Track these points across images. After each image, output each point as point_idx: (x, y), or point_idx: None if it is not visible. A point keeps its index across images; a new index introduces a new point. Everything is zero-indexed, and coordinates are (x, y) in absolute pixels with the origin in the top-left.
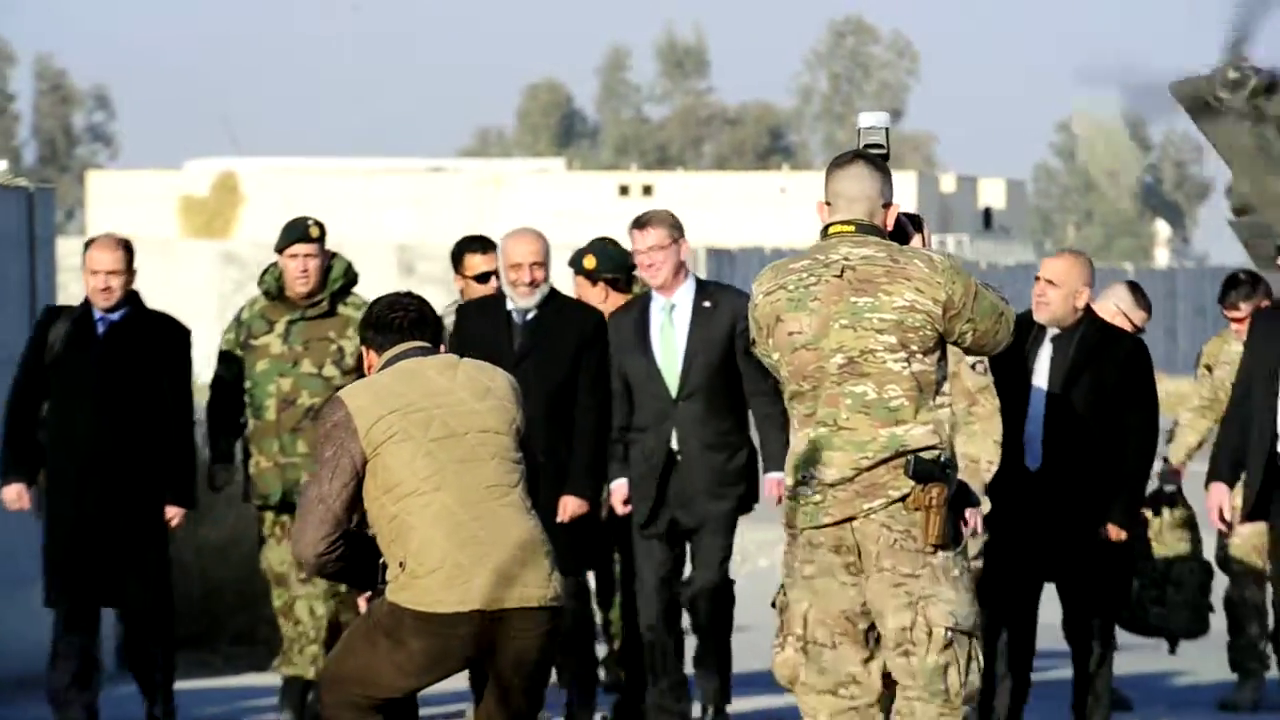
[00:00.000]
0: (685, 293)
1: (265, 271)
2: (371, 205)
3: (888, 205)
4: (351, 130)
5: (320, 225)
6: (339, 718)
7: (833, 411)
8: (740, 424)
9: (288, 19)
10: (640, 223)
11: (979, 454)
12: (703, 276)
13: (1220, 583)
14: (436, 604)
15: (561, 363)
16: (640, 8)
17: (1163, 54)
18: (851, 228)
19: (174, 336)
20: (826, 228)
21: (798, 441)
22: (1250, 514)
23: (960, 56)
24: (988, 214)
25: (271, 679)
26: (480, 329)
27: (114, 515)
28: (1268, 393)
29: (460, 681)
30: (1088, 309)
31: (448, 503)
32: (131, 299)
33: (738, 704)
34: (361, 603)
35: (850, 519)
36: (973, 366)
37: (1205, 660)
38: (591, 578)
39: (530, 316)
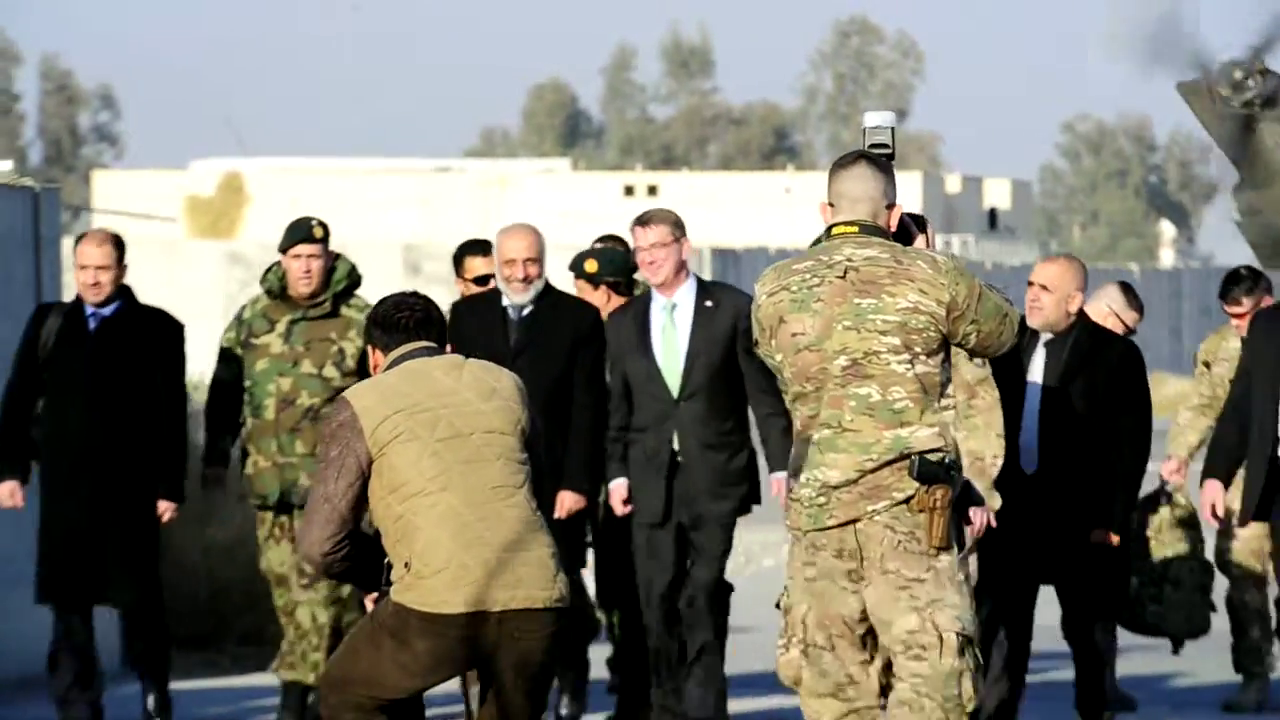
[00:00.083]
0: (686, 292)
1: (268, 270)
2: (377, 205)
3: (891, 206)
4: (357, 130)
5: (324, 226)
6: (342, 719)
7: (836, 413)
8: (741, 424)
9: (294, 19)
10: (642, 220)
11: (982, 449)
12: (708, 276)
13: (1222, 583)
14: (441, 605)
15: (557, 359)
16: (645, 8)
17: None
18: (855, 228)
19: (167, 331)
20: (829, 228)
21: (801, 444)
22: (1252, 515)
23: (965, 56)
24: (993, 214)
25: (277, 679)
26: (476, 326)
27: (105, 512)
28: (1268, 393)
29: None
30: (1080, 313)
31: (453, 503)
32: (123, 294)
33: (740, 704)
34: (368, 603)
35: (854, 521)
36: (971, 358)
37: (1209, 662)
38: (590, 577)
39: (526, 313)
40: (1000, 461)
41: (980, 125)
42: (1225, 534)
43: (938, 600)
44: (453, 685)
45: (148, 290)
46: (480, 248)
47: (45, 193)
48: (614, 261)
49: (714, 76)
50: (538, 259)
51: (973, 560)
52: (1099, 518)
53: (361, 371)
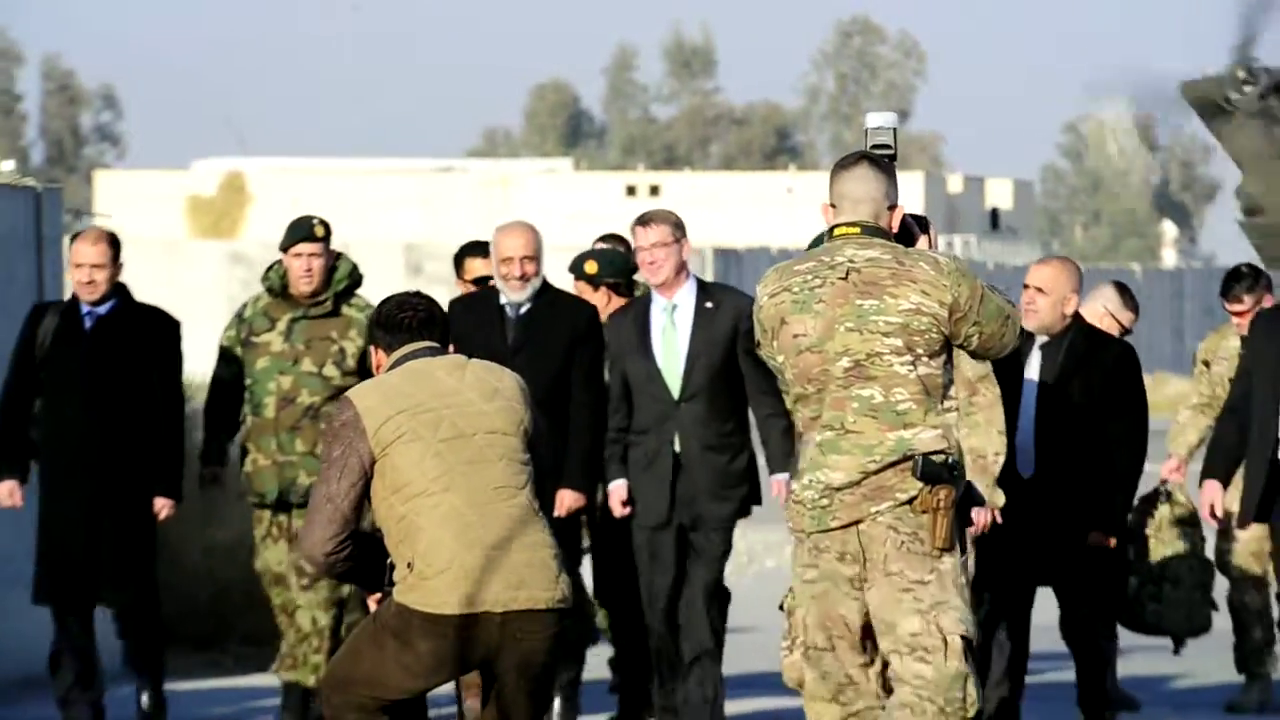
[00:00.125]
0: (686, 293)
1: (269, 269)
2: (379, 205)
3: (893, 207)
4: (359, 130)
5: (325, 225)
6: (345, 719)
7: (839, 415)
8: (742, 425)
9: (295, 20)
10: (643, 220)
11: (984, 446)
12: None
13: (1223, 582)
14: (444, 605)
15: (554, 357)
16: (647, 8)
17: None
18: (857, 230)
19: (163, 329)
20: (831, 229)
21: (803, 445)
22: (1252, 517)
23: (967, 57)
24: (995, 214)
25: (278, 680)
26: (473, 324)
27: (102, 511)
28: (1269, 394)
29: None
30: (1076, 315)
31: (456, 504)
32: (119, 292)
33: (744, 704)
34: (371, 603)
35: (857, 523)
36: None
37: (1212, 662)
38: (588, 576)
39: (523, 311)
40: (1002, 458)
41: (982, 125)
42: (1225, 535)
43: (942, 603)
44: (453, 686)
45: (150, 290)
46: (481, 249)
47: (47, 193)
48: (614, 263)
49: (716, 76)
50: (535, 257)
51: (970, 560)
52: (1096, 520)
53: (362, 370)
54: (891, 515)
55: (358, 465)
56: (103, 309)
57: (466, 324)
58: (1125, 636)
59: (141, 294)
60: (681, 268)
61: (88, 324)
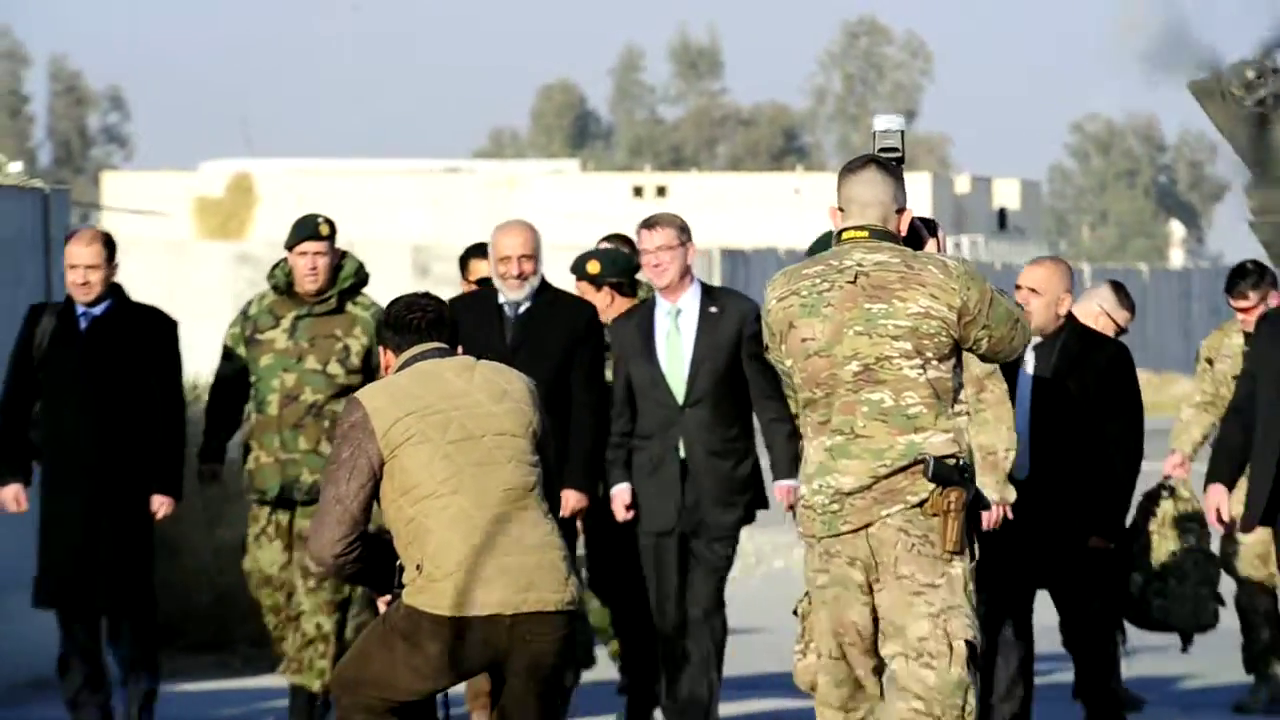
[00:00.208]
0: (691, 298)
1: (275, 266)
2: (386, 206)
3: (901, 210)
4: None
5: (330, 223)
6: None
7: (849, 419)
8: (746, 431)
9: (303, 21)
10: (649, 223)
11: (995, 443)
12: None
13: (1230, 582)
14: (453, 608)
15: (553, 356)
16: (654, 8)
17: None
18: (865, 233)
19: (159, 328)
20: (839, 233)
21: (812, 450)
22: (1258, 520)
23: (974, 57)
24: (1002, 215)
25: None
26: (472, 323)
27: (100, 513)
28: (1275, 398)
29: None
30: (1069, 316)
31: (465, 506)
32: (114, 292)
33: (753, 705)
34: (380, 605)
35: (867, 526)
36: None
37: (1220, 662)
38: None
39: (522, 310)
40: (1013, 454)
41: (989, 126)
42: (1229, 538)
43: (953, 607)
44: (458, 687)
45: (158, 291)
46: (486, 251)
47: (55, 194)
48: (616, 262)
49: (723, 77)
50: (533, 256)
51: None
52: (1095, 525)
53: (366, 368)
54: (902, 518)
55: (367, 466)
56: (98, 310)
57: (465, 323)
58: (1133, 636)
59: (149, 294)
60: (686, 272)
61: (83, 325)
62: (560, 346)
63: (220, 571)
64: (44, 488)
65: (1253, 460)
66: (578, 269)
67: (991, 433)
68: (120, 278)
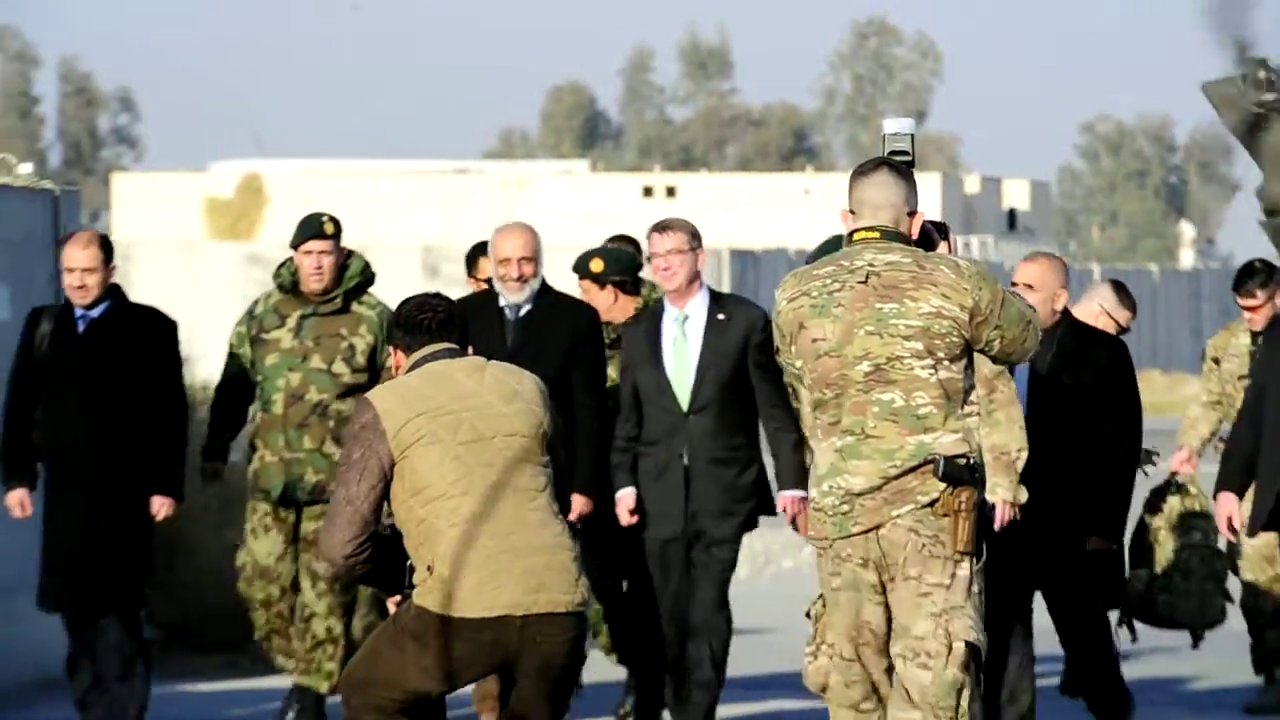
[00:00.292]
0: (699, 304)
1: (281, 266)
2: (396, 207)
3: (913, 213)
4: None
5: (335, 222)
6: None
7: (859, 420)
8: (751, 439)
9: (313, 21)
10: (660, 227)
11: (1007, 443)
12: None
13: (1236, 584)
14: (463, 609)
15: (554, 359)
16: (663, 9)
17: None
18: (876, 234)
19: (158, 329)
20: (851, 234)
21: (822, 451)
22: (1264, 525)
23: (984, 57)
24: (1012, 215)
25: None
26: (473, 326)
27: (100, 515)
28: None
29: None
30: (1065, 311)
31: (474, 507)
32: (113, 294)
33: (760, 705)
34: (390, 605)
35: (878, 527)
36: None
37: (1230, 663)
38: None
39: (523, 312)
40: (1025, 454)
41: (999, 126)
42: (1234, 541)
43: (956, 608)
44: (466, 689)
45: (167, 291)
46: None
47: (65, 195)
48: (619, 261)
49: (732, 78)
50: (533, 258)
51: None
52: (1095, 524)
53: (371, 368)
54: (912, 518)
55: (377, 467)
56: (95, 312)
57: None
58: (1143, 636)
59: (159, 295)
60: (695, 277)
61: (81, 327)
62: (561, 349)
63: (230, 572)
64: (45, 490)
65: (1260, 466)
66: (581, 268)
67: (1004, 433)
68: (130, 278)
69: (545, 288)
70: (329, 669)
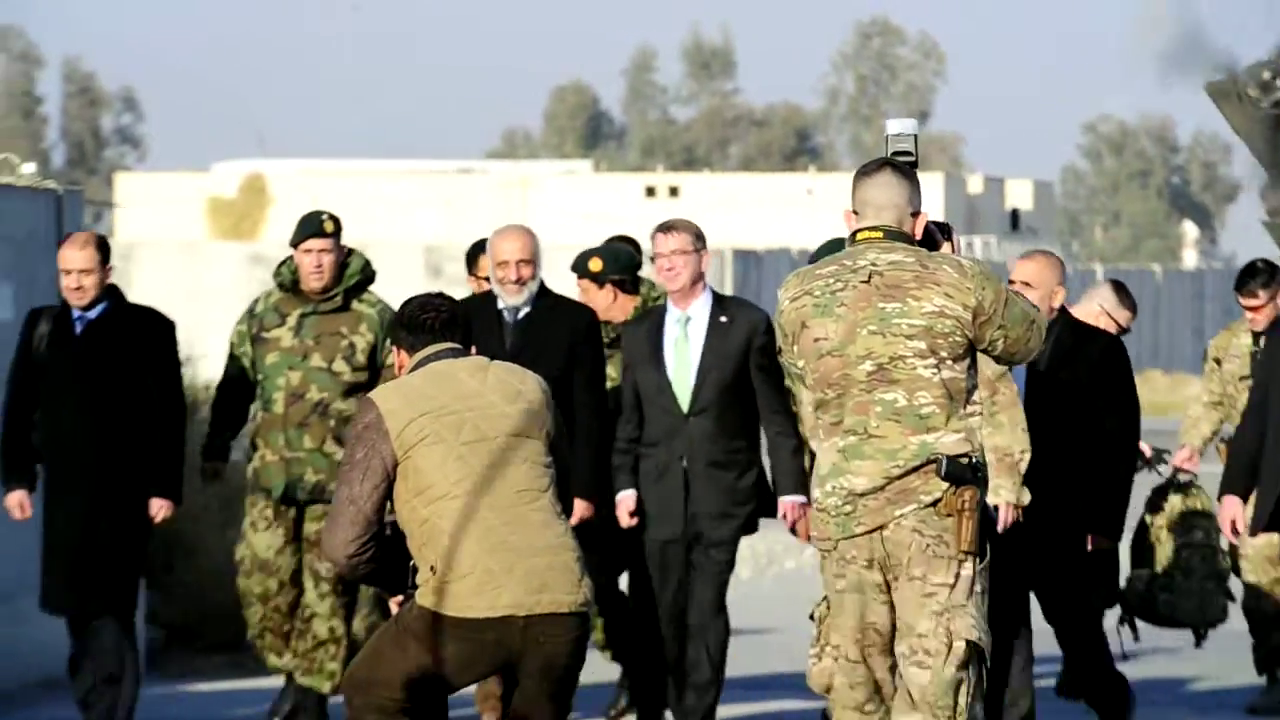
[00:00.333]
0: (701, 306)
1: (281, 264)
2: (399, 207)
3: (916, 214)
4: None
5: (335, 220)
6: None
7: (862, 419)
8: (752, 442)
9: (316, 22)
10: (665, 227)
11: (1010, 445)
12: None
13: (1239, 585)
14: (466, 609)
15: (554, 361)
16: (666, 9)
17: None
18: (879, 234)
19: (156, 330)
20: (854, 234)
21: (825, 451)
22: (1265, 526)
23: (987, 57)
24: (1015, 215)
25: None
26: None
27: (99, 516)
28: None
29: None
30: (1062, 309)
31: (478, 507)
32: (110, 294)
33: (763, 706)
34: (393, 605)
35: (881, 527)
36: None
37: (1232, 664)
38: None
39: (522, 315)
40: (1029, 456)
41: (1002, 126)
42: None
43: (958, 607)
44: (467, 689)
45: (170, 292)
46: None
47: (68, 195)
48: (618, 259)
49: (735, 78)
50: (531, 260)
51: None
52: (1094, 523)
53: (372, 366)
54: (916, 519)
55: (380, 467)
56: (93, 313)
57: None
58: (1145, 637)
59: (162, 295)
60: (699, 279)
61: (78, 328)
62: (560, 351)
63: (231, 572)
64: (45, 492)
65: (1263, 466)
66: (579, 267)
67: (1007, 435)
68: (133, 278)
69: (544, 290)
70: (331, 669)
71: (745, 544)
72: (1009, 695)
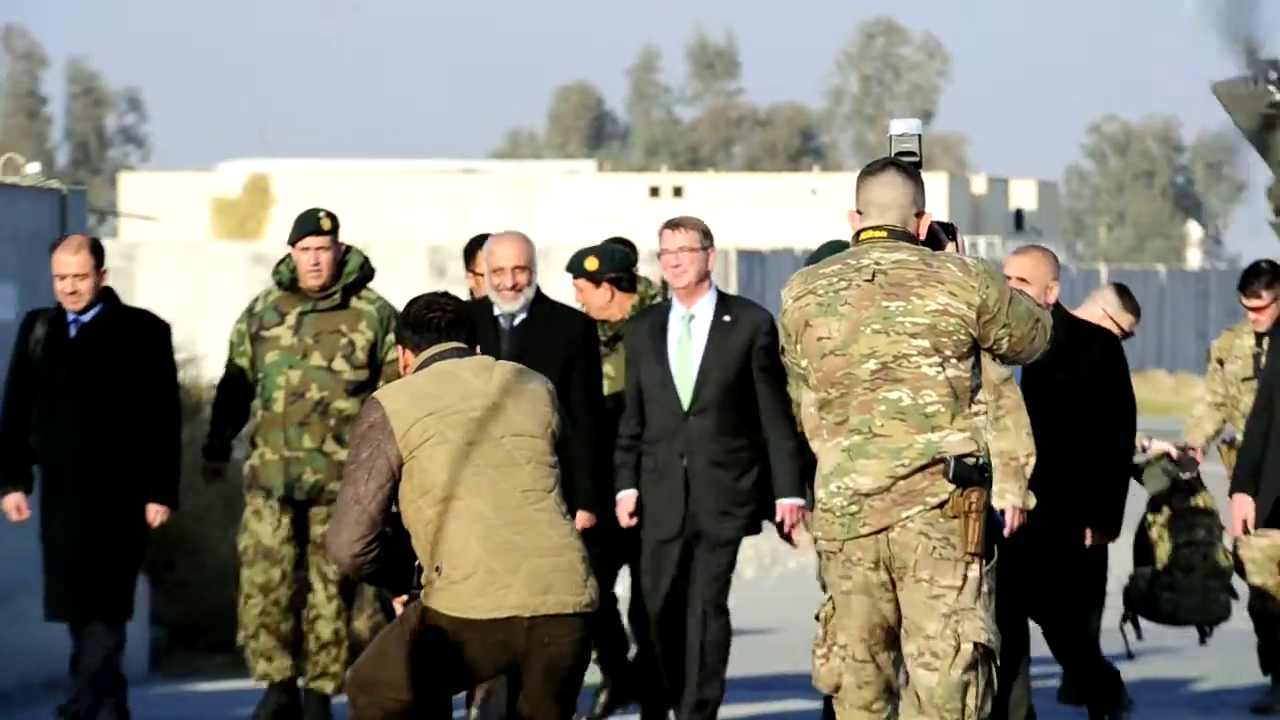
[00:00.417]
0: (706, 304)
1: (280, 262)
2: (403, 207)
3: (920, 214)
4: (383, 132)
5: (332, 217)
6: None
7: (866, 419)
8: (753, 442)
9: (320, 21)
10: (672, 224)
11: (1015, 448)
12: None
13: (1243, 586)
14: (471, 610)
15: (551, 367)
16: (670, 9)
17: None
18: (883, 233)
19: (151, 332)
20: (857, 234)
21: (828, 451)
22: (1264, 522)
23: (991, 58)
24: (1019, 215)
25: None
26: None
27: (96, 520)
28: None
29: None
30: (1057, 305)
31: (483, 508)
32: (105, 297)
33: (767, 706)
34: (397, 605)
35: (887, 528)
36: (994, 359)
37: (1236, 663)
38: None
39: (518, 321)
40: (1034, 460)
41: (1006, 126)
42: (1243, 542)
43: (966, 609)
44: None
45: (174, 292)
46: None
47: (72, 195)
48: (614, 258)
49: (739, 78)
50: (528, 267)
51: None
52: (1091, 518)
53: (372, 364)
54: (922, 520)
55: (385, 467)
56: (87, 316)
57: None
58: (1149, 636)
59: (164, 295)
60: (705, 276)
61: (73, 332)
62: (557, 357)
63: (233, 571)
64: (41, 494)
65: (1266, 465)
66: (575, 266)
67: (1012, 439)
68: (136, 278)
69: (540, 296)
70: (334, 670)
71: (749, 544)
72: (1014, 699)
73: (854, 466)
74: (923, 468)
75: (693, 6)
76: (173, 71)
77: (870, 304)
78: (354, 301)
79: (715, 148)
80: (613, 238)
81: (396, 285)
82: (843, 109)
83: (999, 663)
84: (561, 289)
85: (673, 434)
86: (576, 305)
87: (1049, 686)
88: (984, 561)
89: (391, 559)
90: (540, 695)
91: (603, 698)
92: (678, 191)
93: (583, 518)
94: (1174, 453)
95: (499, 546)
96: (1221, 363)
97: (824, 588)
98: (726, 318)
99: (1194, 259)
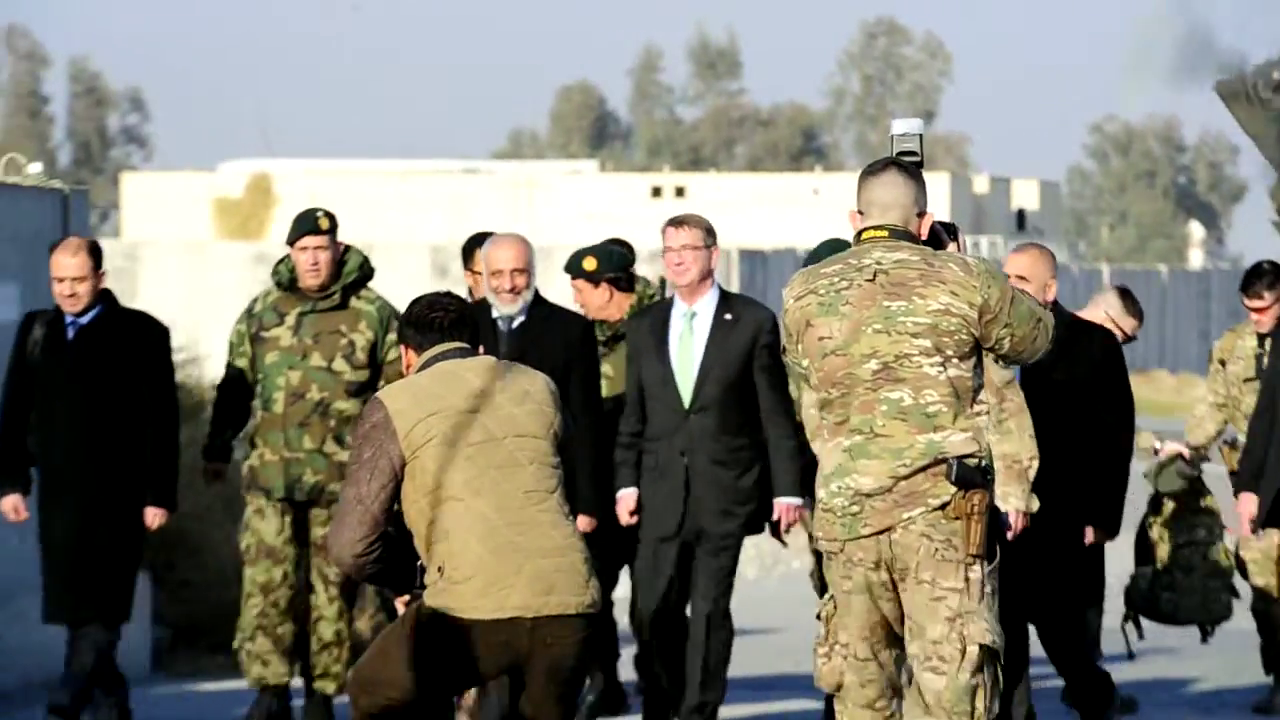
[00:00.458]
0: (708, 302)
1: (280, 263)
2: (405, 207)
3: (922, 214)
4: (385, 132)
5: (331, 217)
6: None
7: (868, 419)
8: (754, 441)
9: (322, 21)
10: (676, 221)
11: (1018, 451)
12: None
13: (1245, 587)
14: (473, 610)
15: (549, 369)
16: (672, 9)
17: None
18: (885, 233)
19: (149, 335)
20: (859, 233)
21: (829, 451)
22: (1264, 522)
23: (993, 57)
24: (1021, 215)
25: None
26: None
27: (94, 523)
28: None
29: None
30: (1055, 303)
31: (485, 508)
32: (103, 299)
33: (768, 706)
34: (399, 605)
35: (889, 529)
36: (996, 360)
37: (1237, 664)
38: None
39: (516, 324)
40: (1037, 463)
41: (1008, 126)
42: (1245, 543)
43: (972, 612)
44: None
45: (176, 292)
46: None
47: (74, 195)
48: (612, 258)
49: (741, 78)
50: (526, 269)
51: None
52: (1091, 517)
53: (372, 363)
54: (924, 522)
55: (388, 467)
56: (85, 318)
57: None
58: (1150, 636)
59: (166, 295)
60: (707, 275)
61: (71, 334)
62: (555, 360)
63: (235, 571)
64: (39, 495)
65: (1269, 464)
66: (573, 267)
67: (1015, 442)
68: (138, 278)
69: (538, 299)
70: (336, 671)
71: (750, 543)
72: (1017, 698)
73: (855, 466)
74: (924, 468)
75: (695, 6)
76: (175, 71)
77: (872, 304)
78: (353, 301)
79: (717, 148)
80: (610, 239)
81: (398, 285)
82: (844, 109)
83: (1003, 661)
84: (564, 290)
85: (674, 432)
86: (576, 306)
87: (1050, 687)
88: (986, 563)
89: (393, 559)
90: (542, 696)
91: (591, 697)
92: (680, 192)
93: (583, 522)
94: (1186, 453)
95: (501, 547)
96: (1223, 363)
97: (816, 588)
98: (728, 316)
99: (1196, 259)
